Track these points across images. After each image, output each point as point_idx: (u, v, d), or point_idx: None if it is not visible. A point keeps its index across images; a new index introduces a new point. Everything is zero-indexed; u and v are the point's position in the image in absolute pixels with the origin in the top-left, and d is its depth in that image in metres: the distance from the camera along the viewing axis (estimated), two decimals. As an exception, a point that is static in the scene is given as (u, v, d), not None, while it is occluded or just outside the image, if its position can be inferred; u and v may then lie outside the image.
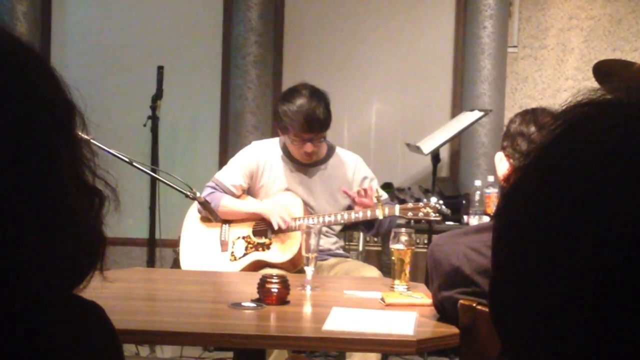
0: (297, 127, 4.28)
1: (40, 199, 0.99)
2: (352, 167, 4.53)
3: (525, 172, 0.80)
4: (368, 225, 4.45)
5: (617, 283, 0.69)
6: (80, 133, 1.10)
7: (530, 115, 2.82)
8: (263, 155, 4.48)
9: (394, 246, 3.46)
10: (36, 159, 1.00)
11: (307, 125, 4.27)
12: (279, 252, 4.32)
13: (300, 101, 4.30)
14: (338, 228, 4.56)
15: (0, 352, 0.96)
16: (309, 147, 4.33)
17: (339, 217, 4.32)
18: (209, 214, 3.99)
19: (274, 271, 3.71)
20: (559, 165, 0.76)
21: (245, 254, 4.35)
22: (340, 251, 4.54)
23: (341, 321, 2.89)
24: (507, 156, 2.84)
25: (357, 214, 4.27)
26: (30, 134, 0.99)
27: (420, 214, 4.17)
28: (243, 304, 3.08)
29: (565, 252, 0.72)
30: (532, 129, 2.76)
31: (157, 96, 5.68)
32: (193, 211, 4.48)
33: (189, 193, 3.66)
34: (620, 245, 0.69)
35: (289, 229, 4.32)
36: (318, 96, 4.35)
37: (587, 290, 0.70)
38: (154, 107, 5.68)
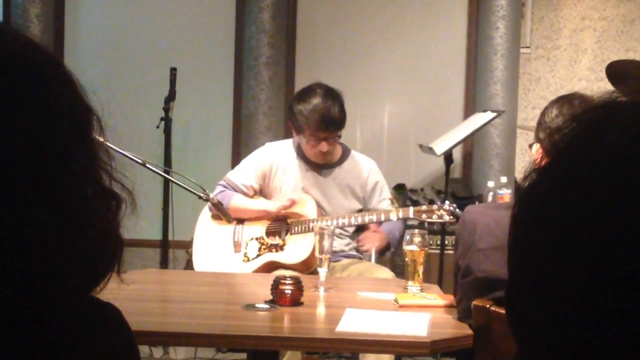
0: (312, 126, 4.29)
1: (58, 202, 1.00)
2: (366, 171, 4.54)
3: (541, 175, 0.81)
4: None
5: (636, 286, 0.69)
6: (97, 136, 1.11)
7: (568, 106, 2.73)
8: (277, 157, 4.48)
9: (407, 247, 3.47)
10: (54, 163, 1.00)
11: (323, 124, 4.28)
12: (293, 253, 4.32)
13: (316, 100, 4.31)
14: (351, 229, 4.56)
15: (18, 354, 0.97)
16: (324, 146, 4.33)
17: (352, 219, 4.32)
18: (222, 215, 3.98)
19: (288, 272, 3.71)
20: (574, 168, 0.76)
21: (258, 255, 4.34)
22: (353, 252, 4.54)
23: (355, 322, 2.89)
24: (545, 149, 2.73)
25: (372, 216, 4.27)
26: (47, 137, 1.00)
27: (435, 216, 4.16)
28: (256, 305, 3.09)
29: (583, 256, 0.72)
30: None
31: (170, 98, 5.69)
32: (206, 212, 4.48)
33: (201, 194, 3.66)
34: (636, 247, 0.70)
35: (301, 229, 4.33)
36: (333, 95, 4.36)
37: (606, 292, 0.71)
38: (166, 109, 5.69)
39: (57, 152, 1.01)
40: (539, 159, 2.74)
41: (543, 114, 2.80)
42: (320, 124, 4.28)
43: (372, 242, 4.34)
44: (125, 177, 1.14)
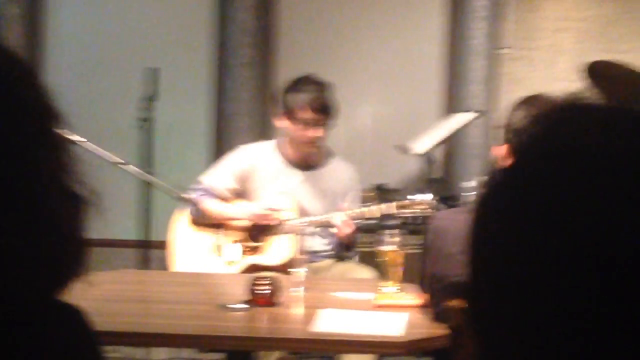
0: (305, 108, 4.29)
1: (20, 204, 1.00)
2: (347, 178, 4.54)
3: (501, 176, 0.81)
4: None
5: (595, 290, 0.70)
6: (63, 138, 1.10)
7: (534, 106, 2.75)
8: (257, 158, 4.47)
9: (384, 248, 3.46)
10: (16, 165, 1.00)
11: (316, 104, 4.30)
12: (275, 255, 4.31)
13: (309, 86, 4.35)
14: (333, 230, 4.53)
15: None
16: (314, 131, 4.33)
17: (335, 216, 4.27)
18: (200, 217, 3.97)
19: (266, 273, 3.71)
20: (535, 169, 0.76)
21: (240, 259, 4.33)
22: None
23: (331, 322, 2.89)
24: (509, 150, 2.76)
25: (353, 214, 4.25)
26: (9, 139, 0.99)
27: (417, 210, 4.16)
28: (233, 305, 3.08)
29: (540, 256, 0.72)
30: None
31: (150, 98, 5.67)
32: (181, 217, 4.46)
33: (180, 194, 3.65)
34: (593, 250, 0.70)
35: (279, 230, 4.32)
36: (324, 84, 4.41)
37: (567, 292, 0.71)
38: (146, 109, 5.67)
39: (18, 153, 1.00)
40: (502, 158, 2.75)
41: (510, 114, 2.82)
42: (313, 104, 4.29)
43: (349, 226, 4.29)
44: (92, 179, 1.14)
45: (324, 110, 4.32)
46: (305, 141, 4.37)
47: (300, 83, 4.39)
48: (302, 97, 4.32)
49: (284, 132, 4.45)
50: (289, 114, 4.36)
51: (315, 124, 4.32)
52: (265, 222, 4.31)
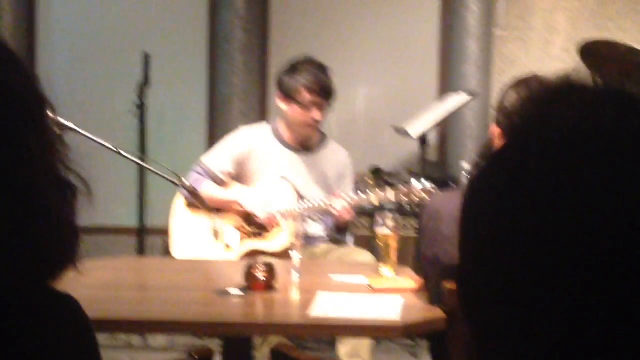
0: (310, 90, 4.31)
1: (10, 192, 0.99)
2: (342, 162, 4.55)
3: (493, 158, 0.80)
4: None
5: (587, 275, 0.69)
6: (54, 124, 1.09)
7: (527, 88, 2.74)
8: (254, 141, 4.45)
9: (379, 231, 3.46)
10: (5, 152, 0.99)
11: (318, 87, 4.32)
12: (274, 240, 4.30)
13: (312, 69, 4.37)
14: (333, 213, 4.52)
15: None
16: (317, 114, 4.33)
17: (334, 202, 4.25)
18: (198, 202, 3.95)
19: (263, 258, 3.71)
20: (527, 151, 0.76)
21: (239, 244, 4.32)
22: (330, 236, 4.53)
23: (327, 307, 2.89)
24: (502, 132, 2.74)
25: (350, 200, 4.24)
26: None
27: (415, 198, 4.15)
28: (229, 291, 3.08)
29: (534, 248, 0.72)
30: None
31: (144, 83, 5.66)
32: (181, 201, 4.45)
33: (176, 181, 3.64)
34: (585, 235, 0.70)
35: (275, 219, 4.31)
36: (323, 67, 4.42)
37: (556, 286, 0.71)
38: (140, 95, 5.66)
39: (8, 141, 1.00)
40: (493, 141, 2.74)
41: (502, 97, 2.80)
42: (318, 87, 4.31)
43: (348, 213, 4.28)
44: (81, 166, 1.13)
45: (324, 93, 4.33)
46: (304, 124, 4.37)
47: (300, 65, 4.39)
48: (301, 80, 4.32)
49: (282, 115, 4.44)
50: (289, 96, 4.36)
51: (315, 106, 4.32)
52: (265, 222, 4.31)
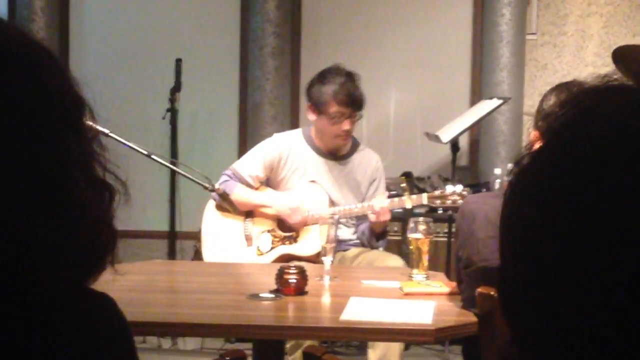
0: (338, 101, 4.27)
1: (49, 193, 1.00)
2: (373, 167, 4.52)
3: (533, 159, 0.80)
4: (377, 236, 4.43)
5: (632, 276, 0.69)
6: (91, 128, 1.10)
7: (565, 93, 2.73)
8: (286, 147, 4.44)
9: (412, 235, 3.46)
10: (45, 154, 1.00)
11: (349, 98, 4.28)
12: (307, 245, 4.30)
13: (340, 78, 4.32)
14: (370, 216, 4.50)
15: (11, 345, 0.97)
16: (347, 124, 4.29)
17: (365, 206, 4.25)
18: (228, 206, 3.95)
19: (295, 262, 3.71)
20: (566, 152, 0.75)
21: (272, 248, 4.32)
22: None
23: (359, 311, 2.89)
24: (540, 135, 2.73)
25: (383, 204, 4.21)
26: (38, 128, 1.00)
27: (449, 201, 4.14)
28: (261, 295, 3.09)
29: (577, 247, 0.71)
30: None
31: (176, 89, 5.69)
32: (212, 205, 4.45)
33: (207, 185, 3.65)
34: (628, 234, 0.69)
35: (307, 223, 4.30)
36: (354, 76, 4.38)
37: (600, 285, 0.70)
38: (172, 100, 5.69)
39: (48, 143, 1.01)
40: (533, 144, 2.72)
41: (542, 101, 2.80)
42: (346, 98, 4.27)
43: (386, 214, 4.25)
44: (119, 168, 1.14)
45: (352, 104, 4.29)
46: (334, 135, 4.35)
47: (328, 75, 4.35)
48: (330, 91, 4.29)
49: (313, 123, 4.44)
50: (318, 108, 4.34)
51: (344, 117, 4.30)
52: (293, 222, 4.30)
